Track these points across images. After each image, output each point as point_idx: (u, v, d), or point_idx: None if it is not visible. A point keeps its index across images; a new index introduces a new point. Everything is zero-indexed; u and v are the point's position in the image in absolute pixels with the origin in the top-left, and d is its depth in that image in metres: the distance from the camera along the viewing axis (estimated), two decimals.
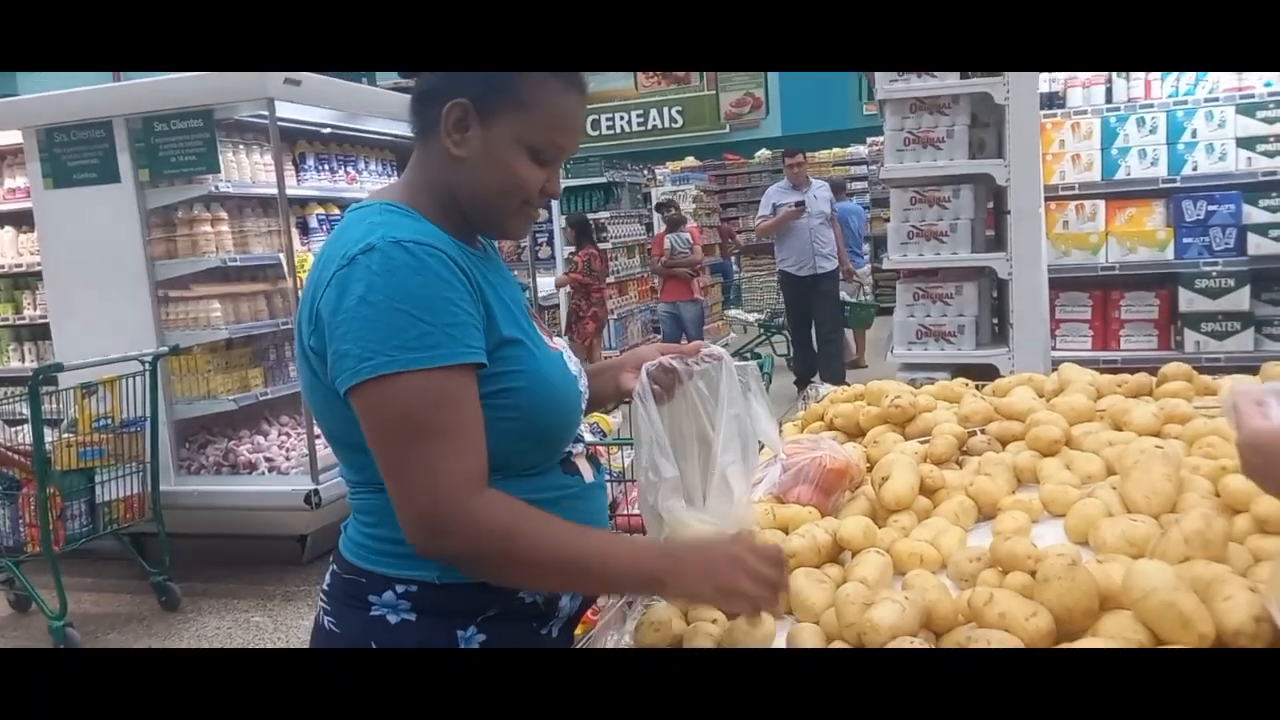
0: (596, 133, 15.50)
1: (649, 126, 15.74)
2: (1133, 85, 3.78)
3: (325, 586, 1.24)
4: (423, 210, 1.15)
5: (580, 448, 1.29)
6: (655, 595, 1.11)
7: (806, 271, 7.33)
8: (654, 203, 10.41)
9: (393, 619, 1.14)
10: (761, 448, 1.45)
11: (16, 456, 3.91)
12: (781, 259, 7.54)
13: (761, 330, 9.61)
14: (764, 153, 14.53)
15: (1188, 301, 3.59)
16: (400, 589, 1.14)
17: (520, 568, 1.08)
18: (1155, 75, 3.77)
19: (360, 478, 1.18)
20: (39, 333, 4.96)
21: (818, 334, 7.56)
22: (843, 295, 8.00)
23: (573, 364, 1.28)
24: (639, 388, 1.31)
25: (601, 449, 1.45)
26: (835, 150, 14.14)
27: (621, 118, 15.75)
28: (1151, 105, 3.71)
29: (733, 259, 13.41)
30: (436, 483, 1.04)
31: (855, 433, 1.90)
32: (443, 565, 1.11)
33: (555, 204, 8.73)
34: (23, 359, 5.06)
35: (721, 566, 1.07)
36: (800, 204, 7.28)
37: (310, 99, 4.50)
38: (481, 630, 1.15)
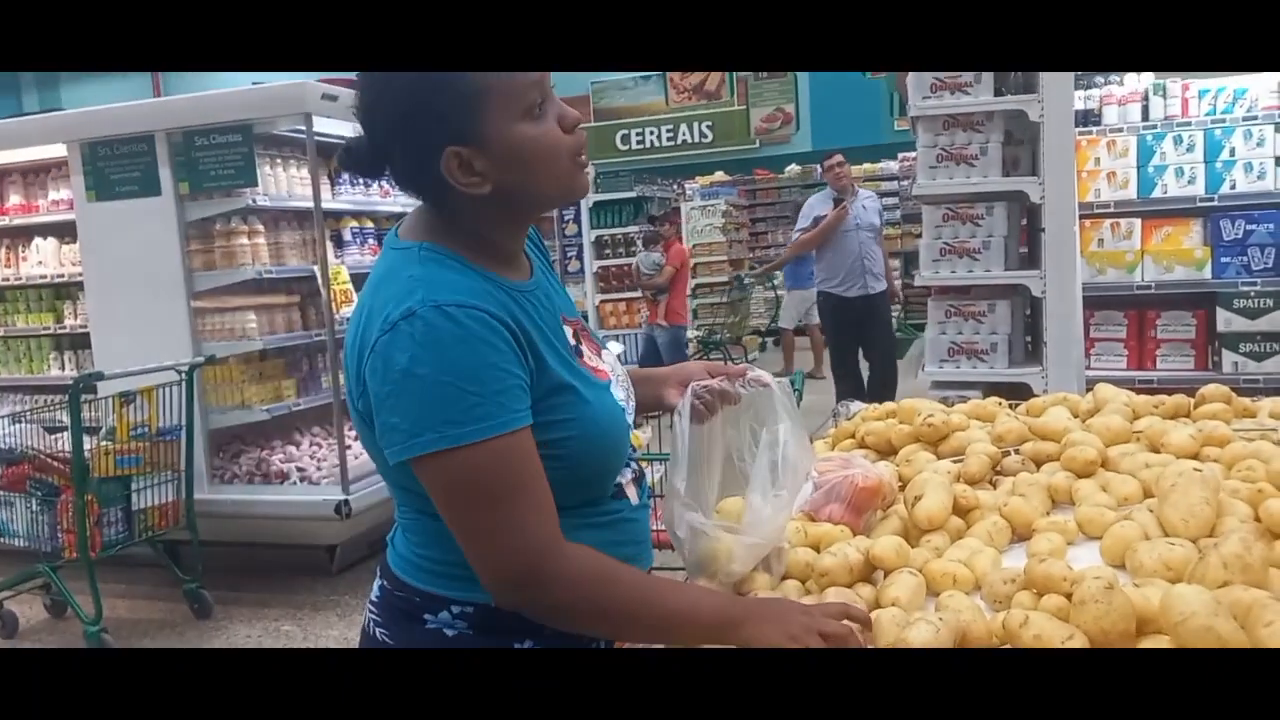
0: (626, 147, 15.56)
1: (679, 141, 15.77)
2: (1170, 103, 3.75)
3: (374, 598, 1.24)
4: (461, 250, 1.12)
5: (629, 474, 1.28)
6: (728, 642, 1.09)
7: (856, 292, 6.29)
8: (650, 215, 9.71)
9: (449, 632, 1.15)
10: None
11: (56, 464, 3.98)
12: (823, 278, 6.48)
13: (700, 347, 9.43)
14: (794, 168, 14.51)
15: (1225, 322, 3.55)
16: (456, 609, 1.15)
17: (607, 618, 1.10)
18: (1193, 93, 3.74)
19: (407, 505, 1.18)
20: (79, 342, 5.06)
21: (871, 364, 6.58)
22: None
23: (620, 389, 1.25)
24: (682, 405, 1.31)
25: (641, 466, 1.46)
26: (866, 165, 14.08)
27: (651, 132, 15.80)
28: (1189, 123, 3.68)
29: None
30: (522, 543, 1.04)
31: (887, 451, 1.89)
32: None
33: (584, 219, 8.78)
34: (63, 367, 5.16)
35: (794, 617, 1.08)
36: (841, 204, 6.36)
37: (346, 114, 4.53)
38: (538, 644, 1.16)
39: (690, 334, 9.49)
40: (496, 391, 1.03)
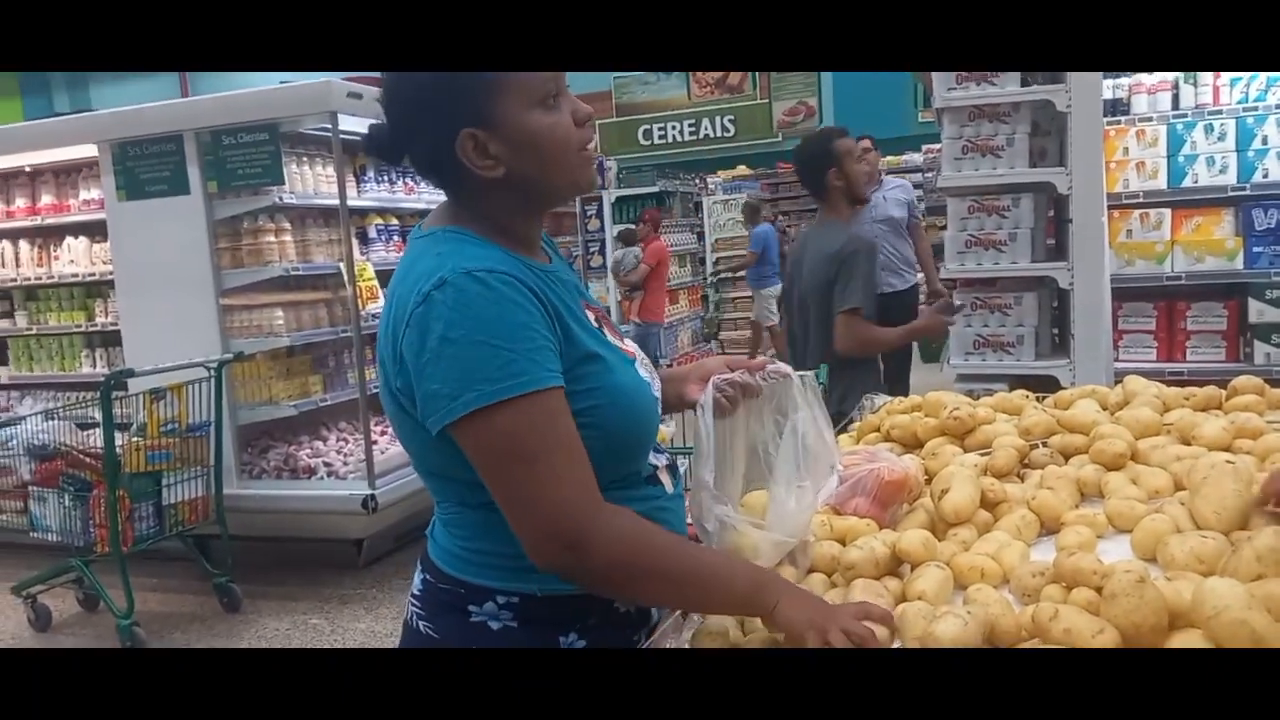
0: (649, 142, 15.55)
1: (701, 135, 15.74)
2: (1200, 91, 3.69)
3: (416, 591, 1.25)
4: (483, 233, 1.15)
5: (663, 459, 1.29)
6: (759, 614, 1.12)
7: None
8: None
9: (494, 625, 1.16)
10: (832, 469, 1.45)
11: (88, 459, 4.05)
12: None
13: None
14: None
15: (1258, 313, 3.49)
16: (501, 600, 1.16)
17: (646, 580, 1.10)
18: (1224, 81, 3.68)
19: (447, 499, 1.20)
20: (110, 339, 5.13)
21: (885, 366, 6.36)
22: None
23: (644, 369, 1.27)
24: (704, 399, 1.31)
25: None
26: (890, 158, 13.98)
27: (674, 127, 15.78)
28: (1220, 111, 3.62)
29: None
30: (563, 501, 1.05)
31: (913, 444, 1.88)
32: (544, 577, 1.11)
33: (607, 214, 8.79)
34: (94, 365, 5.24)
35: (820, 606, 1.11)
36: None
37: (371, 112, 4.56)
38: (582, 637, 1.17)
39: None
40: (530, 350, 1.06)
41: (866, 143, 5.71)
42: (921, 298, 6.31)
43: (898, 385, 5.03)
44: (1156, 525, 1.27)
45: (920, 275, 6.02)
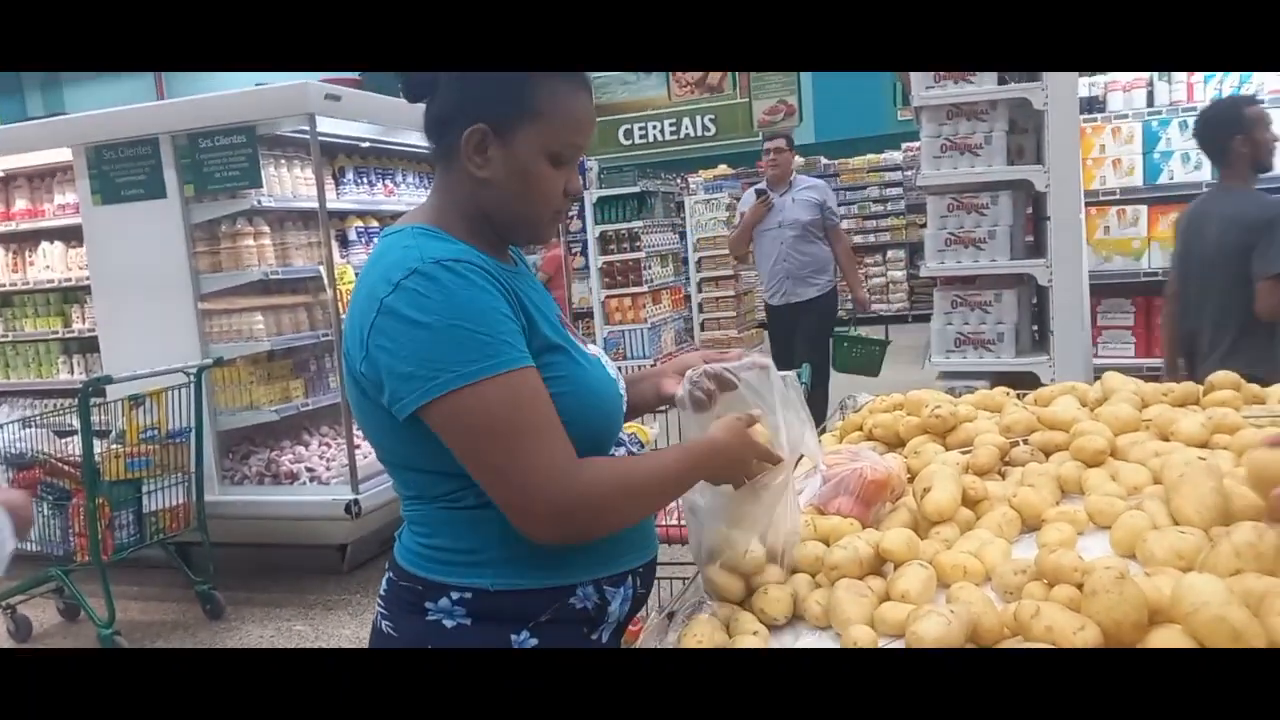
0: (630, 142, 15.54)
1: (682, 135, 15.74)
2: (1174, 89, 3.73)
3: (382, 592, 1.28)
4: (453, 231, 1.18)
5: (623, 452, 1.30)
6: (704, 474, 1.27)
7: (780, 300, 5.54)
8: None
9: (449, 623, 1.18)
10: (801, 458, 1.46)
11: (67, 467, 4.00)
12: (761, 285, 5.84)
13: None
14: (798, 160, 14.48)
15: None
16: (455, 595, 1.18)
17: (631, 509, 1.19)
18: (1198, 78, 3.72)
19: (413, 493, 1.21)
20: (87, 345, 5.08)
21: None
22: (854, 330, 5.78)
23: (611, 368, 1.32)
24: (681, 395, 1.32)
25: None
26: (870, 156, 14.06)
27: (654, 127, 15.77)
28: (1194, 108, 3.66)
29: None
30: (546, 472, 1.09)
31: (895, 443, 1.89)
32: (497, 571, 1.16)
33: (589, 214, 8.78)
34: (71, 371, 5.18)
35: (740, 459, 1.27)
36: (762, 196, 5.50)
37: (349, 114, 4.57)
38: (534, 634, 1.18)
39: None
40: (502, 332, 1.09)
41: (780, 143, 5.52)
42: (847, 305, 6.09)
43: None
44: (1136, 522, 1.29)
45: (841, 280, 5.75)
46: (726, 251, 11.33)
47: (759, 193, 5.55)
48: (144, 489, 4.03)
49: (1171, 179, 3.65)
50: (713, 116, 15.61)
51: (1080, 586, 1.10)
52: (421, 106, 1.24)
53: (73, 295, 5.14)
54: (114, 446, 3.98)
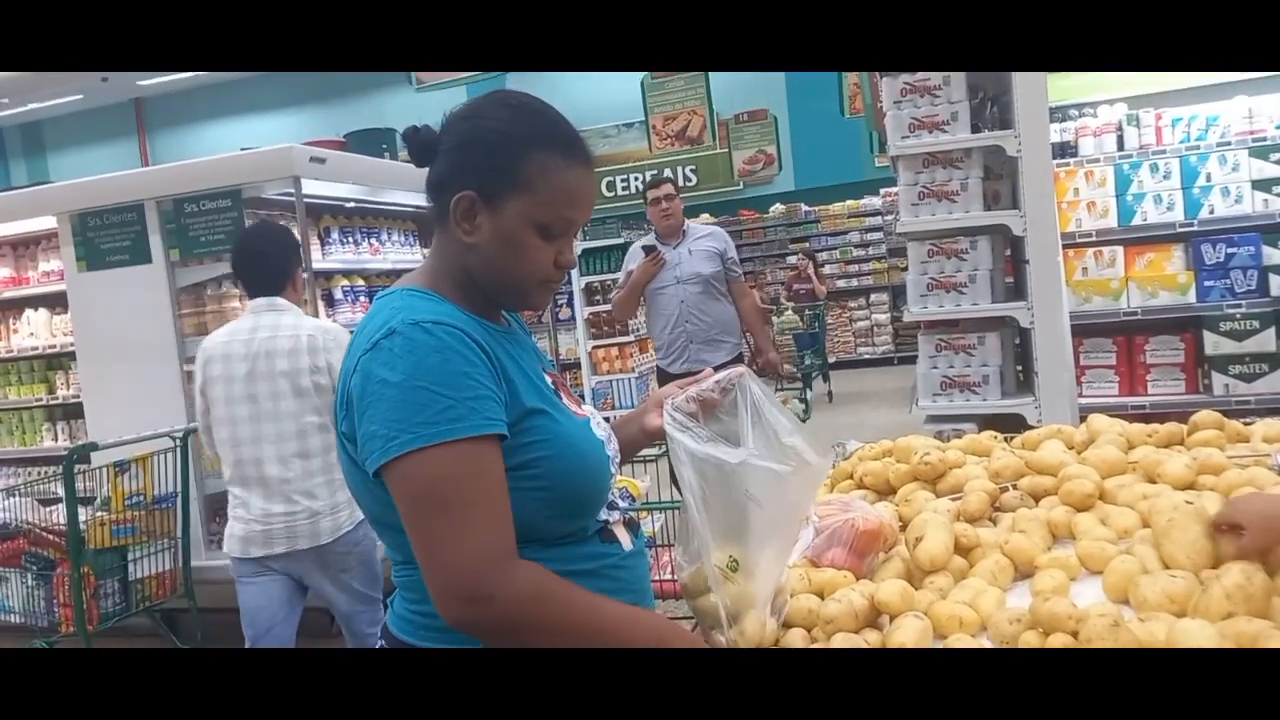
0: (612, 194, 15.69)
1: None
2: (1144, 132, 3.82)
3: None
4: (444, 293, 1.20)
5: (617, 515, 1.30)
6: None
7: (681, 367, 4.54)
8: None
9: None
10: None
11: (51, 537, 3.95)
12: (656, 348, 4.86)
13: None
14: (779, 207, 14.66)
15: (1213, 345, 3.57)
16: None
17: (544, 637, 1.11)
18: (1165, 122, 3.81)
19: (403, 556, 1.20)
20: (72, 412, 5.05)
21: None
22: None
23: (600, 430, 1.30)
24: (666, 425, 1.31)
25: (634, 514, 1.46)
26: (849, 202, 14.25)
27: (636, 178, 15.93)
28: (1164, 151, 3.74)
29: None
30: (467, 554, 1.06)
31: (885, 490, 1.90)
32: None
33: (575, 267, 8.83)
34: (56, 438, 5.14)
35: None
36: (653, 253, 4.63)
37: (334, 175, 4.61)
38: None
39: None
40: (469, 398, 1.09)
41: (668, 188, 4.77)
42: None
43: None
44: (1127, 567, 1.30)
45: (749, 340, 4.97)
46: None
47: (647, 249, 4.70)
48: (130, 556, 3.98)
49: (1146, 220, 3.71)
50: (693, 167, 15.79)
51: (1075, 634, 1.11)
52: (405, 168, 1.27)
53: (57, 362, 5.12)
54: (99, 514, 3.94)
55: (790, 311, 11.24)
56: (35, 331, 5.12)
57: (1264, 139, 3.66)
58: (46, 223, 4.75)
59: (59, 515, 4.00)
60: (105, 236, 4.52)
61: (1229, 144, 3.69)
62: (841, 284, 13.95)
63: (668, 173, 16.08)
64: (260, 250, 2.91)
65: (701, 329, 4.61)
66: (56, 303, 4.98)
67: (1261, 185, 3.60)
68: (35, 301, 5.12)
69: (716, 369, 1.42)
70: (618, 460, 1.34)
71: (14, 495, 4.22)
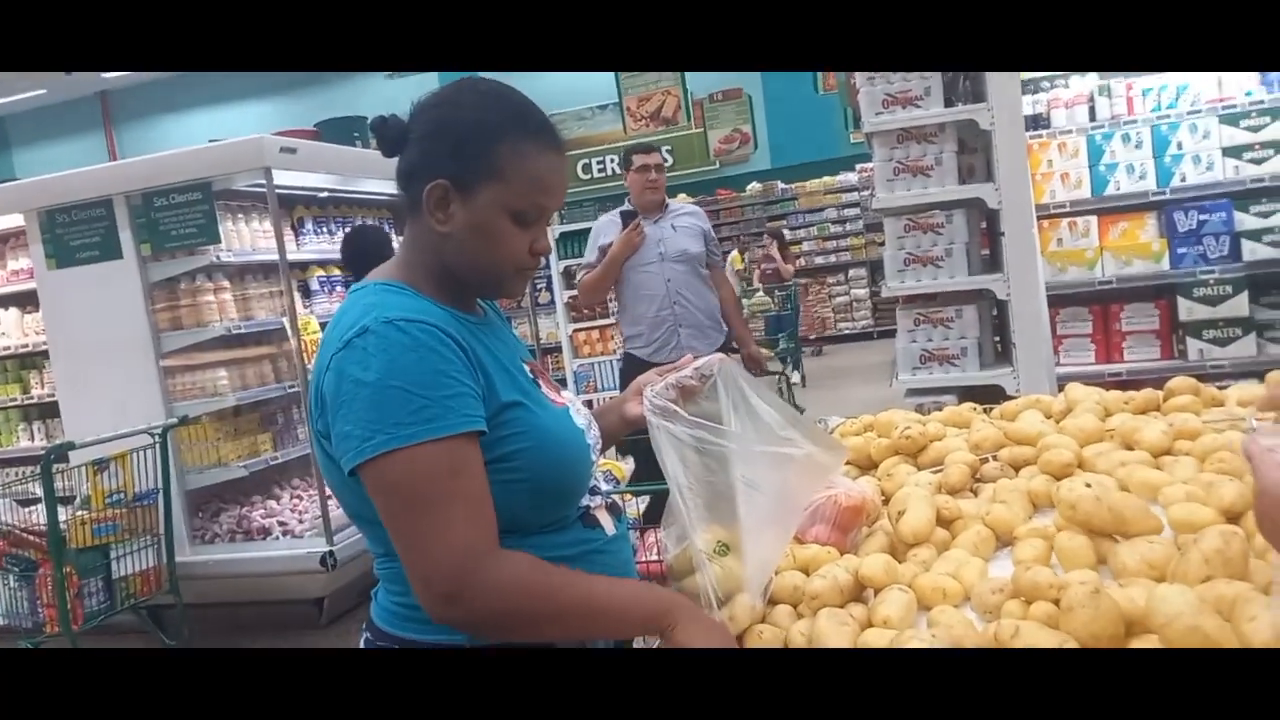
0: (588, 176, 15.64)
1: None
2: (1115, 103, 3.83)
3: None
4: (418, 286, 1.19)
5: (599, 500, 1.30)
6: (658, 634, 1.16)
7: (665, 356, 3.94)
8: None
9: None
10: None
11: (31, 537, 3.92)
12: (628, 334, 4.22)
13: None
14: (755, 186, 14.65)
15: (1187, 310, 3.61)
16: None
17: (532, 625, 1.11)
18: (1136, 92, 3.83)
19: (384, 549, 1.20)
20: (47, 411, 5.00)
21: None
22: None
23: (580, 417, 1.30)
24: (646, 413, 1.32)
25: (617, 498, 1.46)
26: (826, 179, 14.26)
27: (612, 160, 15.87)
28: (1135, 121, 3.76)
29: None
30: (448, 550, 1.06)
31: (867, 465, 1.91)
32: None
33: (553, 250, 8.80)
34: (32, 438, 5.09)
35: (717, 634, 1.17)
36: (633, 221, 4.04)
37: (306, 165, 4.57)
38: None
39: None
40: (445, 397, 1.08)
41: (658, 157, 4.21)
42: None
43: None
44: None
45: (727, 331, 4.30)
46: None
47: (626, 216, 4.12)
48: (112, 554, 3.95)
49: (1119, 190, 3.73)
50: (669, 148, 15.75)
51: (1057, 602, 1.12)
52: (378, 156, 1.26)
53: (30, 361, 5.06)
54: (79, 513, 3.90)
55: (761, 293, 11.11)
56: (6, 331, 5.06)
57: (1233, 106, 3.68)
58: (14, 220, 4.68)
59: (39, 516, 3.96)
60: (74, 233, 4.47)
61: (1199, 112, 3.70)
62: (819, 260, 13.98)
63: None
64: (378, 241, 3.61)
65: (691, 313, 4.09)
66: (27, 301, 4.92)
67: (1231, 152, 3.62)
68: (5, 301, 5.06)
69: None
70: (598, 447, 1.33)
71: None
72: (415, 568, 1.08)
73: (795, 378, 9.67)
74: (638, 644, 1.32)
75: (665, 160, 4.34)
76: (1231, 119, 3.64)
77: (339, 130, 5.42)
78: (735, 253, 12.05)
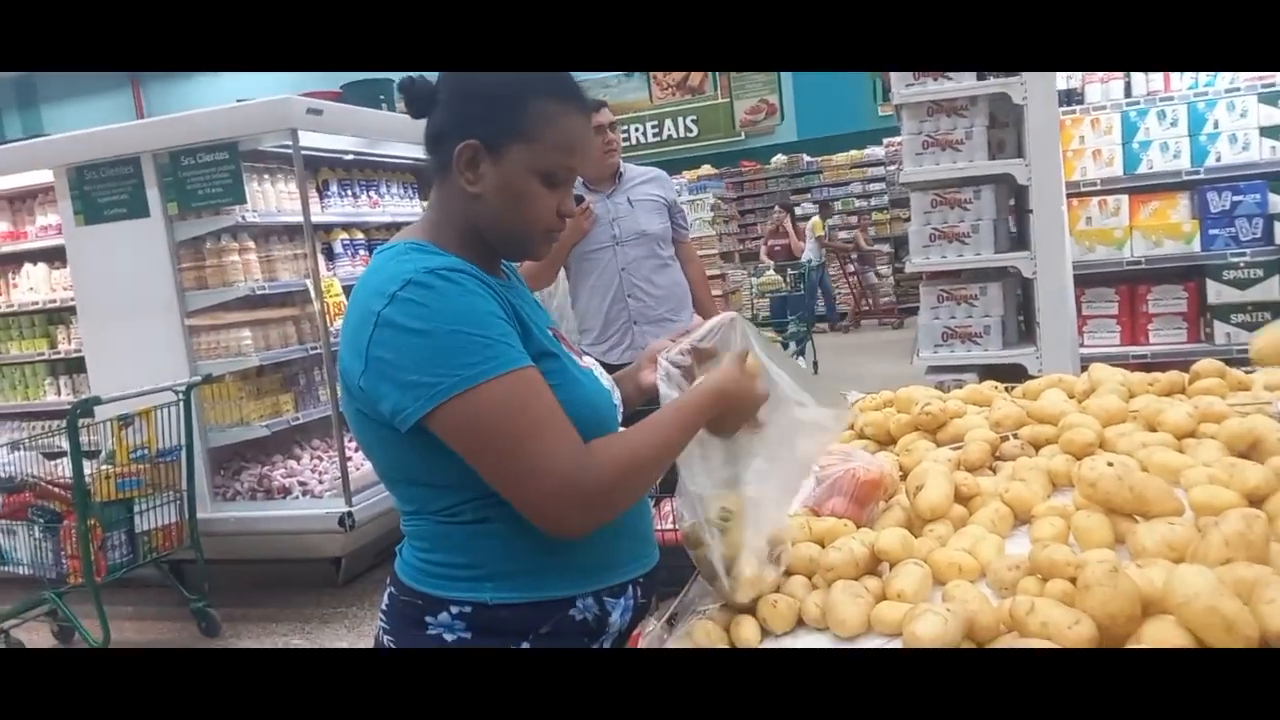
0: None
1: (664, 137, 15.78)
2: (1152, 79, 3.76)
3: (384, 606, 1.28)
4: (446, 245, 1.20)
5: None
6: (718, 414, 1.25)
7: (619, 357, 3.41)
8: None
9: (449, 637, 1.19)
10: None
11: (57, 490, 3.98)
12: (581, 329, 3.59)
13: None
14: (780, 158, 14.52)
15: (1216, 293, 3.56)
16: (455, 610, 1.19)
17: (642, 483, 1.19)
18: None
19: (413, 508, 1.22)
20: (74, 366, 5.05)
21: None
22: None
23: (605, 380, 1.32)
24: (660, 380, 1.32)
25: None
26: (852, 153, 14.11)
27: (637, 129, 15.80)
28: (1171, 98, 3.69)
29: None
30: (563, 465, 1.09)
31: (886, 441, 1.90)
32: (496, 586, 1.17)
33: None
34: (59, 393, 5.15)
35: (741, 401, 1.26)
36: (581, 205, 3.17)
37: (332, 127, 4.56)
38: (535, 645, 1.19)
39: None
40: (502, 334, 1.11)
41: (608, 114, 3.43)
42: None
43: None
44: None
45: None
46: (714, 251, 11.30)
47: (579, 203, 3.21)
48: (136, 509, 4.01)
49: (1151, 168, 3.67)
50: (694, 118, 15.64)
51: (1074, 580, 1.11)
52: (404, 119, 1.26)
53: (58, 316, 5.11)
54: (104, 467, 3.96)
55: (771, 271, 10.65)
56: (35, 286, 5.10)
57: (1273, 85, 3.60)
58: (43, 176, 4.70)
59: (64, 469, 4.02)
60: (102, 190, 4.49)
61: (1238, 90, 3.63)
62: (844, 235, 13.87)
63: (669, 124, 15.88)
64: None
65: (648, 305, 3.45)
66: (55, 257, 4.95)
67: (1270, 132, 3.55)
68: (34, 256, 5.10)
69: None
70: (621, 410, 1.34)
71: (19, 449, 4.24)
72: (534, 491, 1.09)
73: (802, 364, 9.55)
74: (638, 644, 1.34)
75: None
76: (1271, 98, 3.56)
77: (364, 92, 5.39)
78: (816, 219, 11.73)
